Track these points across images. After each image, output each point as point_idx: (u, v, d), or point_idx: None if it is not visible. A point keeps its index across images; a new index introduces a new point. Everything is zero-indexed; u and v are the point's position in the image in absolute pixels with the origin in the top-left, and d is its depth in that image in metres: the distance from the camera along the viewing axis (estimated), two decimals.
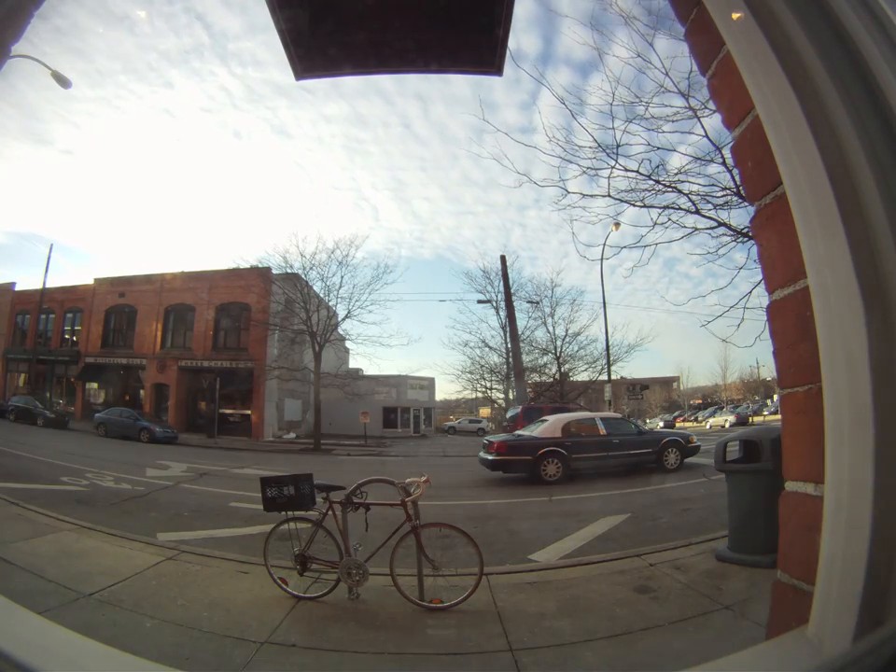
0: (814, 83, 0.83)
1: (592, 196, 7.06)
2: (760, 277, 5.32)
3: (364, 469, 12.51)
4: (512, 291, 25.46)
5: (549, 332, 30.18)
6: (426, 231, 71.10)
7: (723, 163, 6.19)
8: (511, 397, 28.03)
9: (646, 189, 6.87)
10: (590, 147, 6.74)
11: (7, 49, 1.03)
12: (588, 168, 6.78)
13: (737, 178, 5.69)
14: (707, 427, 32.90)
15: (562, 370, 30.20)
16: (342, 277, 23.07)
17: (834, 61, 0.81)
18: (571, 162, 6.83)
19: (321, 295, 22.73)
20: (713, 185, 6.55)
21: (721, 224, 6.62)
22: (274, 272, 23.69)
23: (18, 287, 29.25)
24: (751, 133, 1.01)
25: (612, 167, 6.62)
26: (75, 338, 28.31)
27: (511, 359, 26.69)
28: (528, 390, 28.05)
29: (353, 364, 30.50)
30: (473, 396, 37.31)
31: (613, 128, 6.51)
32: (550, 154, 6.92)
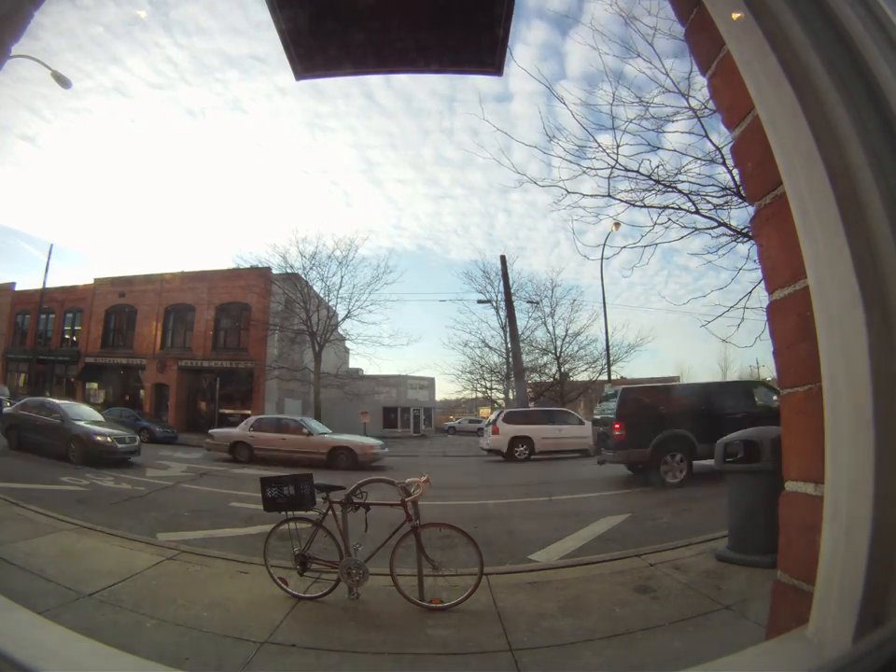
0: (814, 83, 0.83)
1: (592, 196, 7.07)
2: (760, 277, 5.32)
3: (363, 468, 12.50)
4: (512, 291, 25.46)
5: (549, 332, 30.22)
6: (402, 217, 64.66)
7: (723, 163, 6.20)
8: (511, 397, 28.04)
9: (646, 189, 6.88)
10: (590, 147, 6.75)
11: (7, 48, 1.03)
12: (588, 168, 6.79)
13: (737, 178, 5.69)
14: None
15: (562, 370, 30.22)
16: (342, 277, 23.15)
17: (834, 61, 0.81)
18: (572, 163, 6.84)
19: (321, 295, 22.76)
20: (713, 185, 6.56)
21: (721, 224, 6.63)
22: (274, 272, 23.74)
23: (18, 287, 29.30)
24: (751, 133, 1.01)
25: (612, 167, 6.62)
26: (75, 338, 28.31)
27: (511, 359, 26.70)
28: (528, 390, 28.06)
29: (353, 364, 30.51)
30: (473, 396, 37.35)
31: (613, 128, 6.52)
32: (550, 154, 6.92)
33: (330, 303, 22.70)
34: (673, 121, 6.36)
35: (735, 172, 5.52)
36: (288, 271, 22.81)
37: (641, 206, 6.96)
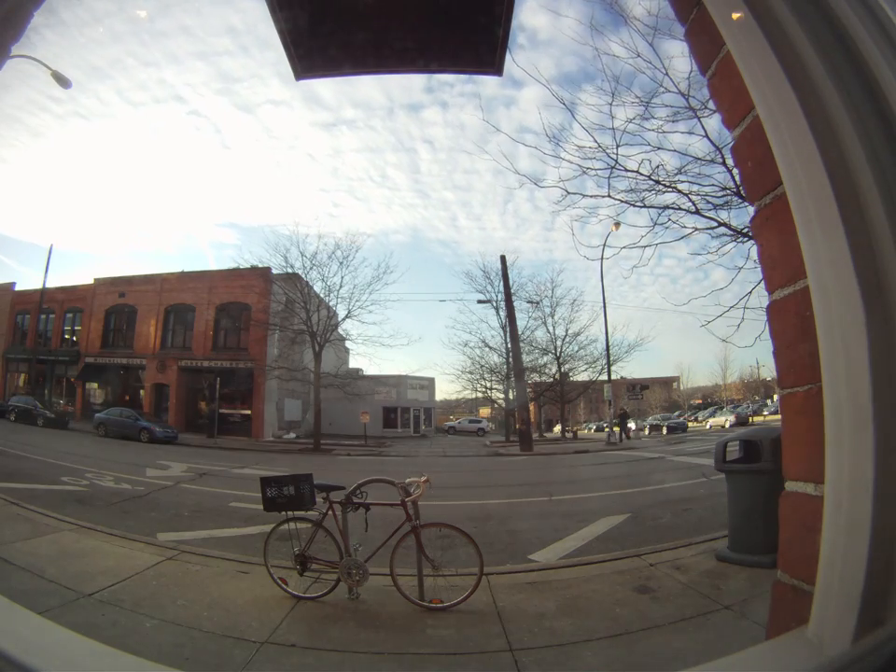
0: (814, 83, 0.83)
1: (592, 196, 7.06)
2: (760, 277, 5.32)
3: (364, 468, 12.52)
4: (512, 291, 25.47)
5: (549, 332, 30.29)
6: (295, 156, 47.17)
7: (723, 163, 6.19)
8: (511, 397, 28.05)
9: (646, 190, 6.87)
10: (589, 147, 6.75)
11: (7, 48, 1.03)
12: (588, 168, 6.78)
13: (737, 178, 5.69)
14: (708, 426, 32.94)
15: (562, 370, 30.25)
16: (342, 277, 23.10)
17: (834, 61, 0.81)
18: (572, 163, 6.83)
19: (321, 295, 22.73)
20: (713, 185, 6.56)
21: (721, 224, 6.63)
22: (274, 272, 23.71)
23: (18, 287, 29.30)
24: (751, 133, 1.01)
25: (612, 167, 6.62)
26: (75, 338, 28.30)
27: (511, 359, 26.70)
28: (528, 390, 28.07)
29: (353, 364, 30.52)
30: (473, 396, 37.38)
31: (613, 128, 6.51)
32: (549, 154, 6.92)
33: (330, 303, 22.67)
34: (673, 121, 6.36)
35: (735, 172, 5.52)
36: (289, 271, 22.76)
37: (641, 206, 6.96)
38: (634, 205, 6.98)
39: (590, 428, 43.37)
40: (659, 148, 6.63)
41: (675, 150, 6.86)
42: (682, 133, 6.53)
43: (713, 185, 6.54)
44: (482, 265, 47.63)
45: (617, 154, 6.52)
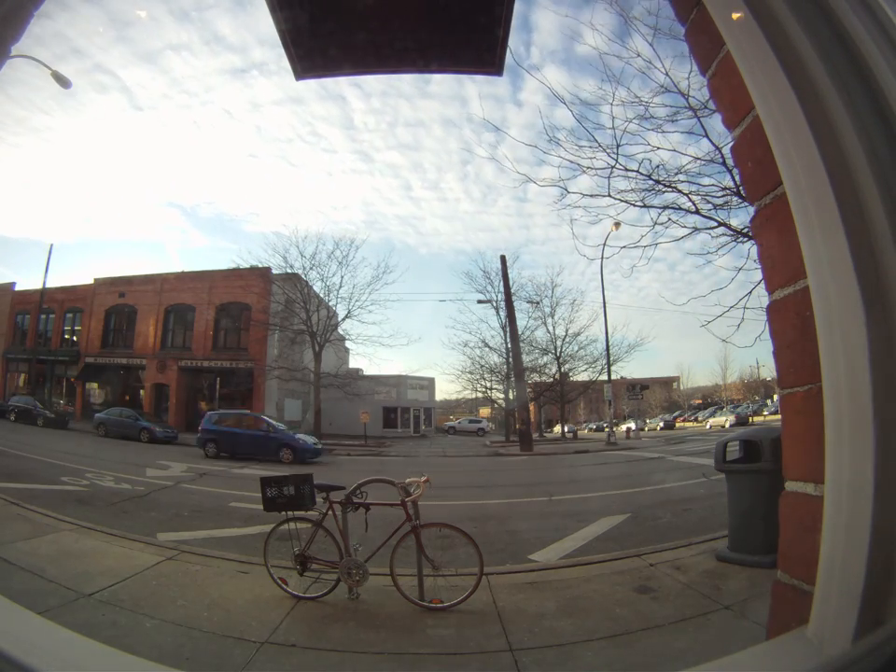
0: (814, 83, 0.83)
1: (592, 196, 7.07)
2: (760, 277, 5.31)
3: (364, 468, 12.52)
4: (512, 291, 25.47)
5: (549, 332, 30.33)
6: (211, 113, 41.93)
7: (723, 163, 6.20)
8: (511, 397, 28.06)
9: (646, 189, 6.88)
10: (590, 147, 6.75)
11: (7, 48, 1.03)
12: (588, 168, 6.78)
13: (737, 178, 5.69)
14: (707, 426, 32.92)
15: (562, 370, 30.29)
16: (342, 277, 23.14)
17: (834, 61, 0.81)
18: (573, 163, 6.83)
19: (321, 295, 22.75)
20: (713, 185, 6.56)
21: (721, 224, 6.63)
22: (274, 272, 23.73)
23: (18, 287, 29.31)
24: (751, 133, 1.01)
25: (612, 167, 6.62)
26: (75, 338, 28.30)
27: (511, 359, 26.70)
28: (528, 390, 28.09)
29: (353, 364, 30.53)
30: (473, 396, 37.39)
31: (613, 128, 6.52)
32: (551, 154, 6.92)
33: (330, 303, 22.69)
34: (673, 121, 6.36)
35: (735, 172, 5.52)
36: (288, 271, 22.79)
37: (641, 206, 6.97)
38: (634, 205, 6.99)
39: (590, 428, 43.41)
40: (659, 148, 6.64)
41: (674, 150, 6.86)
42: (682, 132, 6.53)
43: (713, 185, 6.56)
44: (481, 265, 47.72)
45: (617, 154, 6.53)
